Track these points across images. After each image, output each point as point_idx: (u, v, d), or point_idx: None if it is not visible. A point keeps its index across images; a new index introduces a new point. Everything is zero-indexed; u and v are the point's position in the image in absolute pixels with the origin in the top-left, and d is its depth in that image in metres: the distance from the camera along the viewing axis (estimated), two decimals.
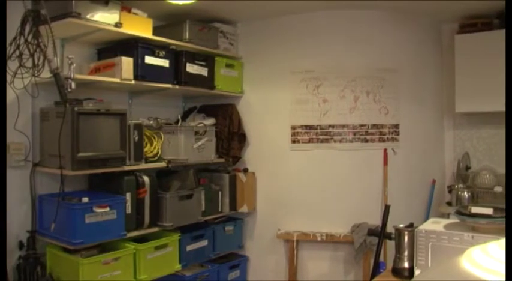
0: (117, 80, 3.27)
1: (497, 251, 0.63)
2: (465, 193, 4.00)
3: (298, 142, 4.10)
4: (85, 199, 3.02)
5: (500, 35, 3.97)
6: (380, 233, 3.30)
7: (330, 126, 4.02)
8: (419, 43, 4.26)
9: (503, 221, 1.78)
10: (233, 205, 4.23)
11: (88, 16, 3.09)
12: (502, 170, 4.22)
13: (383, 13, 4.04)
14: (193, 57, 3.87)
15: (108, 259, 3.13)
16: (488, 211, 1.84)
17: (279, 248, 4.20)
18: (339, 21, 4.05)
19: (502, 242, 0.66)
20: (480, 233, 1.82)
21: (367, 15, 4.03)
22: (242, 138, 4.30)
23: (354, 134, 4.00)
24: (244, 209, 4.24)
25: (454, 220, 2.04)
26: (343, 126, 4.00)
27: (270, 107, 4.25)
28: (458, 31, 4.22)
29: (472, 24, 4.14)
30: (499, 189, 4.06)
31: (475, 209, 1.87)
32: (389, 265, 2.27)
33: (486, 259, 0.61)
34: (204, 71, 3.96)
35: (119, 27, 3.27)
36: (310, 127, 4.06)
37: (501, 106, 3.94)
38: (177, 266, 3.69)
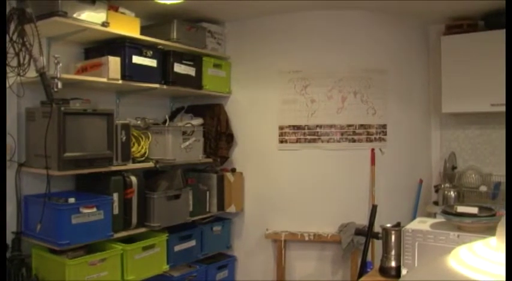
0: (104, 79, 3.25)
1: (483, 250, 0.63)
2: (451, 192, 4.04)
3: (286, 142, 4.10)
4: (71, 200, 3.00)
5: (485, 36, 4.03)
6: (367, 233, 3.33)
7: (317, 126, 4.03)
8: (406, 44, 4.29)
9: (488, 220, 1.80)
10: (221, 205, 4.22)
11: (75, 15, 3.06)
12: (487, 169, 4.27)
13: (370, 14, 4.07)
14: (181, 57, 3.86)
15: (95, 260, 3.11)
16: (474, 210, 1.86)
17: (267, 248, 4.20)
18: (326, 21, 4.07)
19: (488, 241, 0.66)
20: (466, 232, 1.84)
21: (354, 16, 4.05)
22: (230, 138, 4.30)
23: (342, 134, 4.01)
24: (232, 209, 4.24)
25: (440, 219, 2.06)
26: (331, 126, 4.02)
27: (258, 107, 4.25)
28: (444, 32, 4.26)
29: (458, 26, 4.18)
30: (484, 189, 4.11)
31: (460, 209, 1.89)
32: (377, 264, 2.28)
33: (473, 258, 0.62)
34: (191, 71, 3.95)
35: (106, 26, 3.25)
36: (298, 127, 4.07)
37: (487, 106, 4.01)
38: (165, 267, 3.68)
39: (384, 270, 2.15)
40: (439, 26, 4.39)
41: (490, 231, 1.74)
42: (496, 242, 0.65)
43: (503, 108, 3.95)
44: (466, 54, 4.07)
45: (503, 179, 4.14)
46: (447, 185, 4.12)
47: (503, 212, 1.56)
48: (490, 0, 3.71)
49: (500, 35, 3.93)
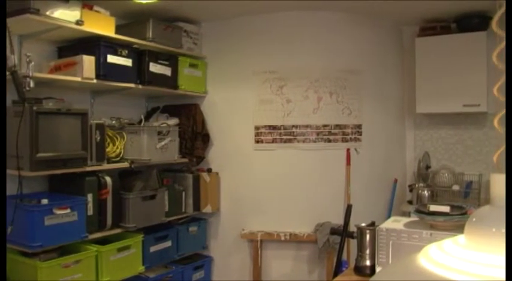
0: (78, 79, 3.21)
1: (452, 248, 0.65)
2: (425, 191, 4.11)
3: (262, 142, 4.11)
4: (44, 201, 2.95)
5: (457, 38, 4.11)
6: (342, 232, 3.36)
7: (293, 126, 4.05)
8: (381, 45, 4.34)
9: (459, 219, 1.83)
10: (197, 206, 4.21)
11: (47, 13, 3.01)
12: (459, 169, 4.36)
13: (345, 15, 4.10)
14: (157, 56, 3.83)
15: (68, 262, 3.06)
16: (446, 209, 1.89)
17: (243, 248, 4.20)
18: (302, 22, 4.09)
19: (457, 238, 0.68)
20: (438, 230, 1.88)
21: (329, 17, 4.08)
22: (206, 138, 4.29)
23: (317, 134, 4.04)
24: (208, 209, 4.23)
25: (414, 218, 2.09)
26: (307, 126, 4.04)
27: (234, 107, 4.25)
28: (418, 34, 4.33)
29: (432, 28, 4.25)
30: (456, 188, 4.20)
31: (433, 208, 1.92)
32: (353, 263, 2.30)
33: (441, 255, 0.63)
34: (167, 71, 3.93)
35: (80, 24, 3.20)
36: (274, 127, 4.08)
37: (459, 107, 4.09)
38: (140, 268, 3.65)
39: (358, 269, 2.17)
40: (413, 27, 4.46)
41: (462, 229, 1.78)
42: (465, 240, 0.67)
43: (475, 109, 4.04)
44: (440, 55, 4.14)
45: (475, 179, 4.23)
46: (421, 184, 4.19)
47: (473, 210, 1.59)
48: (464, 1, 3.77)
49: (472, 37, 4.02)
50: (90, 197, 3.26)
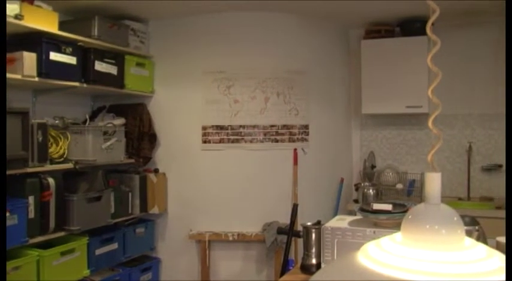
0: (18, 76, 3.09)
1: (389, 245, 0.67)
2: (370, 190, 4.21)
3: (209, 142, 4.10)
4: None
5: (401, 42, 4.25)
6: (289, 232, 3.39)
7: (241, 126, 4.06)
8: (328, 46, 4.42)
9: (401, 216, 1.89)
10: (144, 206, 4.15)
11: None
12: (403, 168, 4.50)
13: (292, 16, 4.15)
14: (102, 54, 3.74)
15: (7, 269, 2.94)
16: (388, 207, 1.95)
17: (191, 249, 4.18)
18: (250, 22, 4.11)
19: (394, 236, 0.70)
20: (381, 228, 1.93)
21: (277, 18, 4.12)
22: (153, 138, 4.23)
23: (265, 134, 4.07)
24: (155, 210, 4.17)
25: (359, 216, 2.14)
26: (254, 126, 4.06)
27: (181, 107, 4.21)
28: (364, 36, 4.44)
29: (376, 31, 4.37)
30: (400, 186, 4.34)
31: (376, 206, 1.97)
32: (300, 262, 2.33)
33: (379, 252, 0.65)
34: (113, 70, 3.85)
35: (19, 19, 3.08)
36: (221, 127, 4.08)
37: (402, 108, 4.22)
38: (85, 272, 3.55)
39: (305, 267, 2.20)
40: (359, 30, 4.57)
41: None
42: (401, 237, 0.69)
43: (417, 110, 4.18)
44: (384, 58, 4.27)
45: (417, 177, 4.38)
46: (367, 183, 4.30)
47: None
48: (406, 6, 3.90)
49: (414, 41, 4.16)
50: (31, 199, 3.14)
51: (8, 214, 2.93)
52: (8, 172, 3.01)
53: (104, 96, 4.33)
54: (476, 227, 1.95)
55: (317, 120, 4.26)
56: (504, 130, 4.24)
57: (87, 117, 3.96)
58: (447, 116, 4.37)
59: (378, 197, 4.20)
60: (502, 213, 3.69)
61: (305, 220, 2.54)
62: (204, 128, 4.11)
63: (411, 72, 4.15)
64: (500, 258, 0.63)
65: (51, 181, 3.29)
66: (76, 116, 3.97)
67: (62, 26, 3.48)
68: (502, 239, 2.02)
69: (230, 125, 4.06)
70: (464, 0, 3.66)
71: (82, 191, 3.58)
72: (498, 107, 4.24)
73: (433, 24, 0.75)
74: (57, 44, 3.38)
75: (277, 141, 4.09)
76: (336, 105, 4.51)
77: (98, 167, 3.76)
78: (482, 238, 1.96)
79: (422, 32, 4.10)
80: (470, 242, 0.67)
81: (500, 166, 4.23)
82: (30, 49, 3.19)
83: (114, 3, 3.71)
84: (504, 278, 0.58)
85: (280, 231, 3.52)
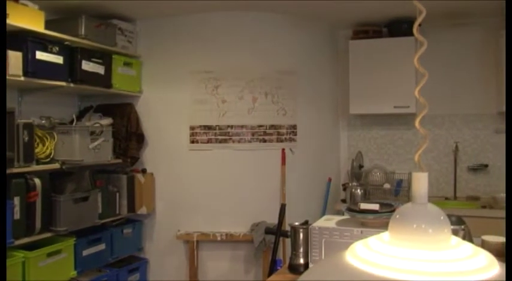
0: None
1: (376, 244, 0.67)
2: (358, 190, 4.23)
3: (197, 142, 4.09)
4: None
5: (388, 42, 4.28)
6: (276, 232, 3.40)
7: (228, 126, 4.06)
8: (315, 47, 4.44)
9: (388, 216, 1.90)
10: (131, 207, 4.12)
11: None
12: (390, 168, 4.53)
13: (282, 17, 4.16)
14: (89, 54, 3.72)
15: None
16: (375, 206, 1.96)
17: (179, 249, 4.16)
18: (237, 22, 4.11)
19: (381, 235, 0.70)
20: (368, 227, 1.94)
21: (264, 18, 4.12)
22: (140, 138, 4.21)
23: (253, 134, 4.07)
24: (143, 210, 4.15)
25: (347, 216, 2.15)
26: (242, 126, 4.06)
27: (169, 107, 4.20)
28: (352, 37, 4.46)
29: (364, 31, 4.40)
30: (387, 186, 4.37)
31: (363, 206, 1.98)
32: (288, 262, 2.33)
33: (366, 251, 0.65)
34: (100, 69, 3.82)
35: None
36: (209, 127, 4.07)
37: (390, 109, 4.25)
38: (73, 273, 3.52)
39: (292, 267, 2.20)
40: (347, 31, 4.59)
41: None
42: (388, 236, 0.69)
43: (405, 110, 4.21)
44: (372, 58, 4.29)
45: (405, 177, 4.41)
46: (354, 183, 4.32)
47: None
48: (394, 7, 3.93)
49: (402, 41, 4.19)
50: (16, 200, 3.11)
51: None
52: None
53: (91, 96, 4.30)
54: (462, 226, 1.97)
55: (305, 120, 4.27)
56: (489, 130, 4.28)
57: (74, 117, 3.93)
58: (434, 116, 4.41)
59: (366, 197, 4.23)
60: (487, 212, 3.74)
61: (293, 219, 2.55)
62: (191, 128, 4.10)
63: (399, 72, 4.18)
64: (486, 256, 0.64)
65: (37, 181, 3.26)
66: (63, 116, 3.94)
67: (49, 25, 3.45)
68: (487, 237, 2.04)
69: (218, 125, 4.06)
70: (450, 1, 3.69)
71: (69, 192, 3.55)
72: (484, 108, 4.28)
73: (420, 25, 0.76)
74: (44, 43, 3.35)
75: (265, 141, 4.10)
76: (324, 106, 4.52)
77: (85, 167, 3.74)
78: (468, 237, 1.98)
79: (410, 33, 4.12)
80: (457, 241, 0.67)
81: (486, 165, 4.27)
82: (15, 48, 3.15)
83: (101, 3, 3.69)
84: (490, 276, 0.59)
85: (268, 231, 3.52)
